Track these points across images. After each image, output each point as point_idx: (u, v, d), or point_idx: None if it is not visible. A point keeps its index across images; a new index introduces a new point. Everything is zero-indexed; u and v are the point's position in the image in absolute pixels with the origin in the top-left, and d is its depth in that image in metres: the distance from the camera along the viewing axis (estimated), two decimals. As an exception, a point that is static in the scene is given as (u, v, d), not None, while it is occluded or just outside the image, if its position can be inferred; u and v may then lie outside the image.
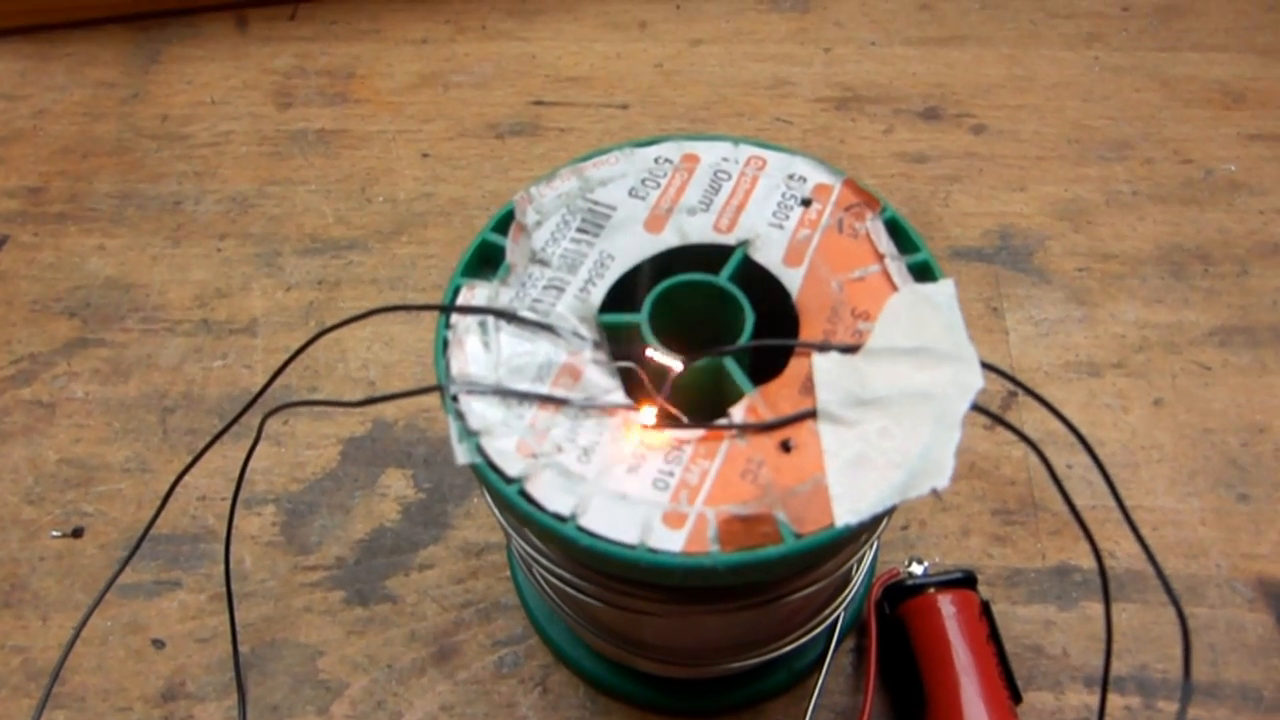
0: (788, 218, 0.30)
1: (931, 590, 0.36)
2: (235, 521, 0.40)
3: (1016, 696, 0.34)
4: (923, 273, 0.29)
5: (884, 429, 0.26)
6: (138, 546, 0.35)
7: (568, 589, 0.30)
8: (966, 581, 0.36)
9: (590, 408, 0.27)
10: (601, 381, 0.27)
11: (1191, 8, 0.56)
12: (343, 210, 0.50)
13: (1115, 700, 0.36)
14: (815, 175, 0.31)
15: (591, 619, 0.33)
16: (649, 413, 0.26)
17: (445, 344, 0.28)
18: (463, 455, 0.26)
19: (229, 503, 0.38)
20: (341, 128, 0.53)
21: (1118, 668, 0.37)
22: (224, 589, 0.39)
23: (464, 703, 0.37)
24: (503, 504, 0.26)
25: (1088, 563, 0.39)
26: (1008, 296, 0.45)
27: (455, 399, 0.27)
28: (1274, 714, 0.36)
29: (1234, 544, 0.39)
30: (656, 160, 0.31)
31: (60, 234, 0.50)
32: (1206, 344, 0.44)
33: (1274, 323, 0.44)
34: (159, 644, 0.38)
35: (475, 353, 0.28)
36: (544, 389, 0.27)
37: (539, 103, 0.53)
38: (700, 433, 0.26)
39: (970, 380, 0.27)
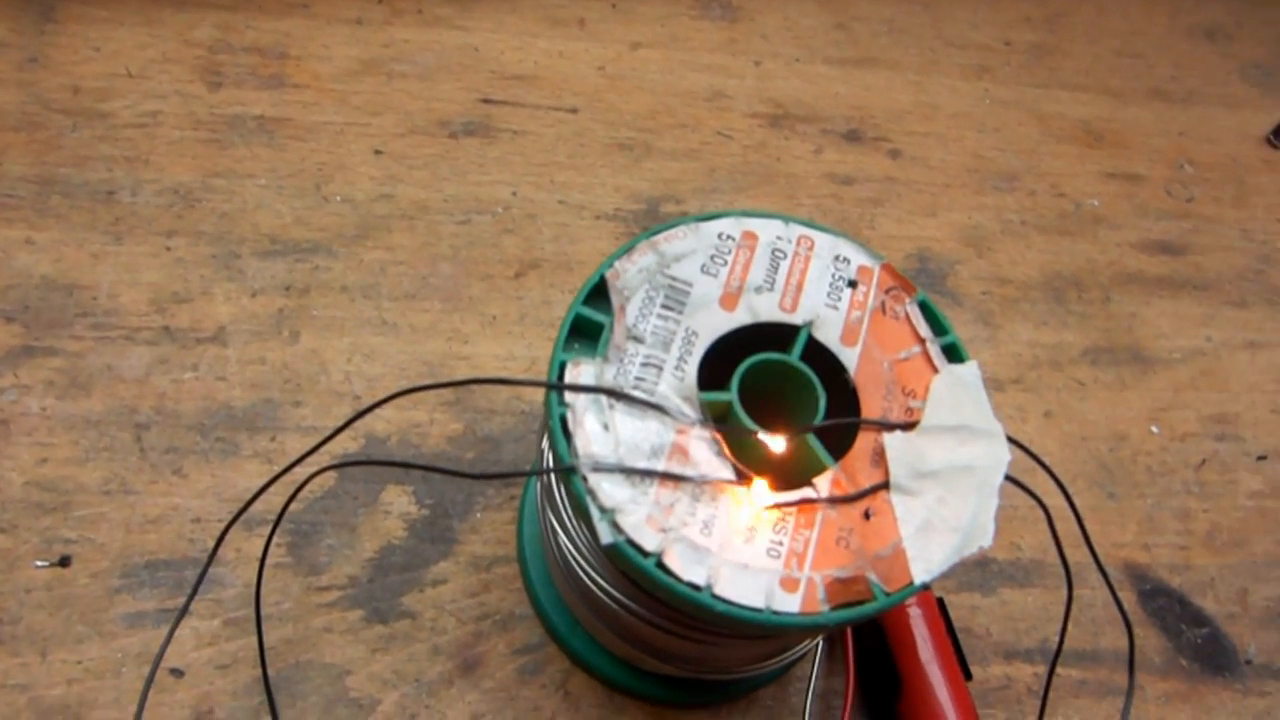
0: (840, 299, 0.34)
1: (900, 592, 0.42)
2: (239, 544, 0.41)
3: (968, 675, 0.42)
4: (951, 353, 0.34)
5: (941, 498, 0.31)
6: (199, 582, 0.35)
7: (639, 622, 0.34)
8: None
9: (705, 483, 0.30)
10: (710, 458, 0.30)
11: (1059, 47, 0.64)
12: (299, 209, 0.49)
13: (1025, 669, 0.45)
14: (857, 257, 0.35)
15: (637, 641, 0.37)
16: (758, 488, 0.30)
17: (564, 422, 0.30)
18: (606, 535, 0.29)
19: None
20: (283, 115, 0.51)
21: (1027, 641, 0.45)
22: (237, 614, 0.40)
23: (494, 710, 0.40)
24: (640, 576, 0.29)
25: (1003, 555, 0.47)
26: (925, 315, 0.52)
27: (585, 478, 0.29)
28: (1138, 671, 0.46)
29: (1106, 535, 0.48)
30: (720, 236, 0.35)
31: (-28, 221, 0.46)
32: (1081, 362, 0.53)
33: (1129, 344, 0.54)
34: (177, 673, 0.38)
35: (595, 432, 0.30)
36: (661, 466, 0.30)
37: (488, 101, 0.54)
38: (796, 505, 0.30)
39: (1001, 454, 0.32)
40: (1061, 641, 0.37)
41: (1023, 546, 0.47)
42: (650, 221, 0.52)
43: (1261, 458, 0.52)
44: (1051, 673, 0.38)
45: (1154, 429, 0.51)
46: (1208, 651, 0.47)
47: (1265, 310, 0.57)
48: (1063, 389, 0.52)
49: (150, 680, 0.36)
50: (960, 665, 0.41)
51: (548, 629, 0.41)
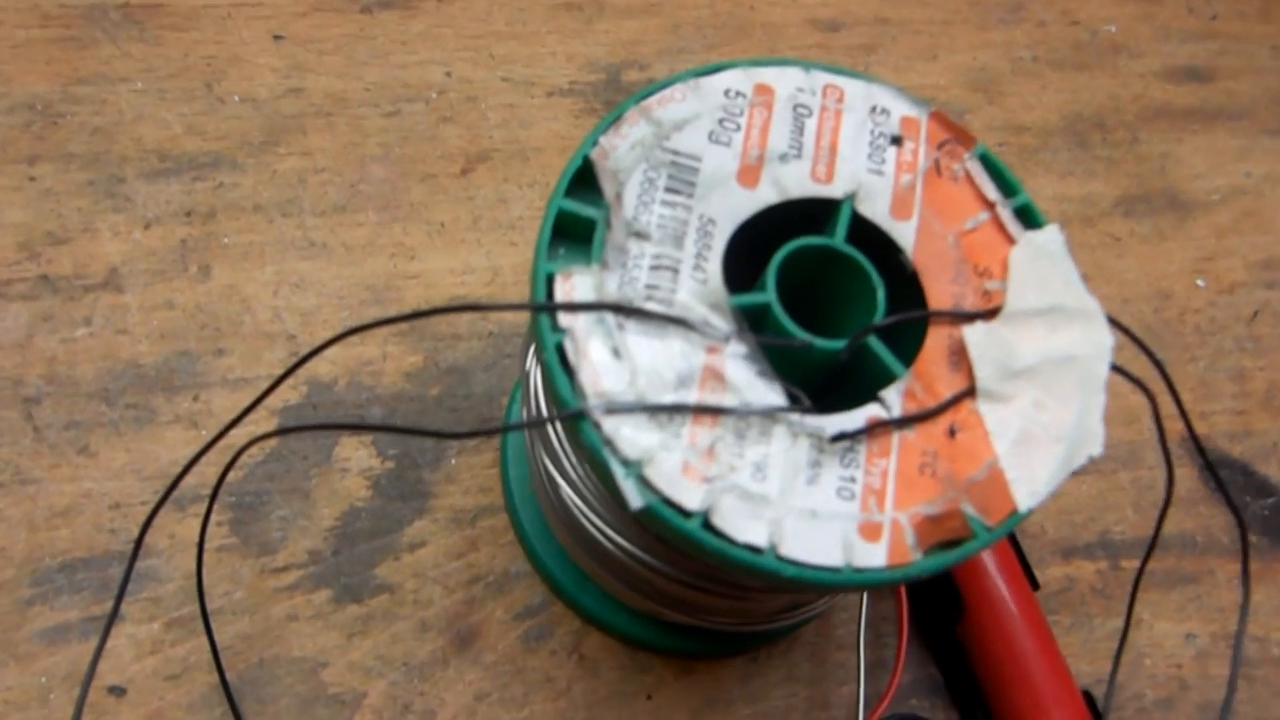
0: (884, 161, 0.27)
1: (952, 499, 0.36)
2: (172, 529, 0.34)
3: (1035, 585, 0.37)
4: (1026, 216, 0.28)
5: (1038, 400, 0.25)
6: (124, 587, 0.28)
7: (669, 583, 0.28)
8: (973, 483, 0.37)
9: (751, 414, 0.24)
10: (753, 381, 0.24)
11: None
12: (190, 116, 0.40)
13: (1087, 566, 0.40)
14: (898, 107, 0.28)
15: (665, 599, 0.31)
16: (816, 412, 0.24)
17: (562, 352, 0.23)
18: (635, 497, 0.22)
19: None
20: (154, 1, 0.42)
21: (1084, 535, 0.40)
22: (180, 612, 0.33)
23: (499, 687, 0.34)
24: (683, 542, 0.23)
25: (1051, 441, 0.41)
26: (936, 175, 0.45)
27: (599, 425, 0.23)
28: (1207, 554, 0.41)
29: (1161, 407, 0.43)
30: (728, 94, 0.27)
31: None
32: (1114, 214, 0.46)
33: (1164, 189, 0.48)
34: (118, 691, 0.32)
35: (604, 362, 0.23)
36: (693, 398, 0.23)
37: (404, -36, 0.45)
38: (865, 430, 0.24)
39: (1102, 338, 0.26)
40: (1156, 535, 0.32)
41: (1071, 429, 0.42)
42: (612, 94, 0.44)
43: (1314, 301, 0.47)
44: (1143, 568, 0.33)
45: (1199, 282, 0.46)
46: (1277, 523, 0.42)
47: (1300, 136, 0.51)
48: (1097, 247, 0.46)
49: (81, 704, 0.29)
50: (1026, 575, 0.36)
51: (551, 587, 0.35)
